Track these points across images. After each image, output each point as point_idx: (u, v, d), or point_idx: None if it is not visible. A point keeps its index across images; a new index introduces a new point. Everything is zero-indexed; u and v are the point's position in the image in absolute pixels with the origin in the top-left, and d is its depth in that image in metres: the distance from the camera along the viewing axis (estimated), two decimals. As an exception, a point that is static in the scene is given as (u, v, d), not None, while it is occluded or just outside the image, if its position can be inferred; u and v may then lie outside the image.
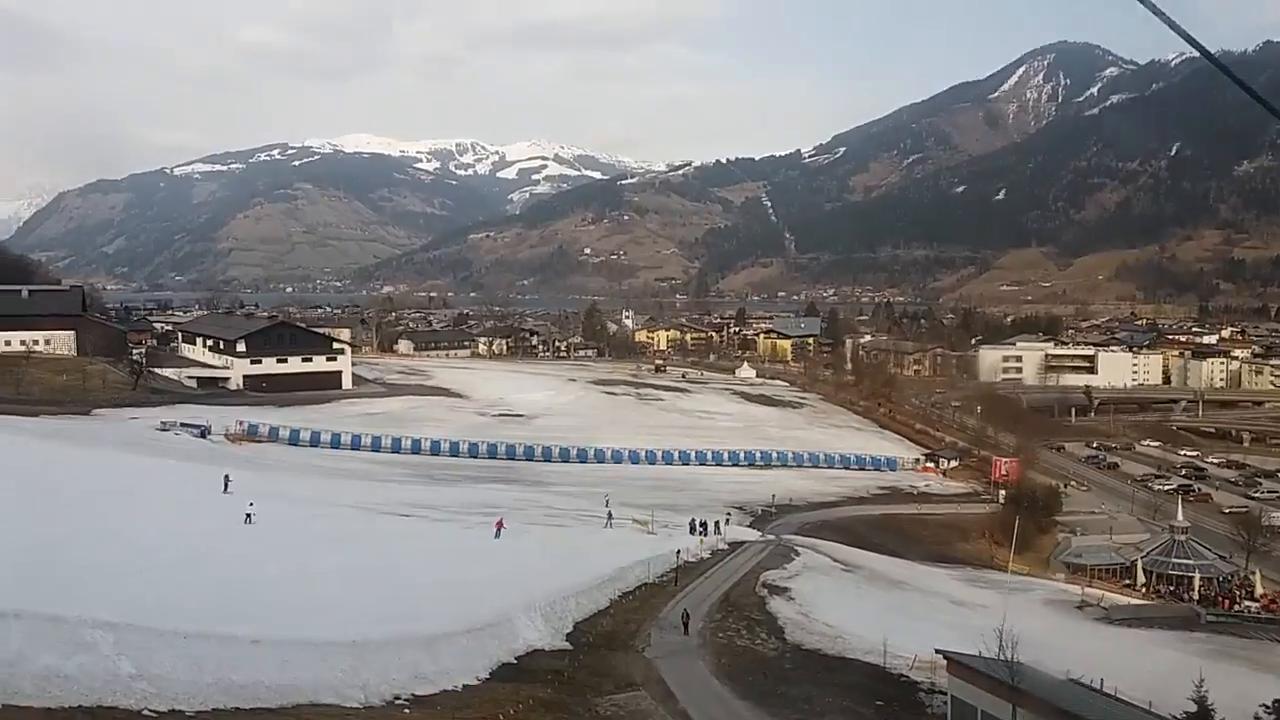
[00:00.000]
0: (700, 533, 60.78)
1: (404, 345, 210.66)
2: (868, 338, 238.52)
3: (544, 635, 35.00)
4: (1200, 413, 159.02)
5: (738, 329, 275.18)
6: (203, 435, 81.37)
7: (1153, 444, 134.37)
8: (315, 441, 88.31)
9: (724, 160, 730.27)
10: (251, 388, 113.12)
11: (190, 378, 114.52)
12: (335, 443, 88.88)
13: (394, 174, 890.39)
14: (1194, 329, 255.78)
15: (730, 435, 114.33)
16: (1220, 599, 64.53)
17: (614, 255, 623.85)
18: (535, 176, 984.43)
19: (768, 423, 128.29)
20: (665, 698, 30.72)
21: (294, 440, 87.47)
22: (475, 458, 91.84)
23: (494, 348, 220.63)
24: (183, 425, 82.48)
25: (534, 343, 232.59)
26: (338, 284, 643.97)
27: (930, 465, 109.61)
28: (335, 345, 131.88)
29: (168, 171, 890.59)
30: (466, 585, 39.88)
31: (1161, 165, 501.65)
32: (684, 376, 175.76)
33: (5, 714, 17.55)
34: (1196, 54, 7.98)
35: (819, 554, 61.76)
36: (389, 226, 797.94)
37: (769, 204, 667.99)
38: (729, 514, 72.68)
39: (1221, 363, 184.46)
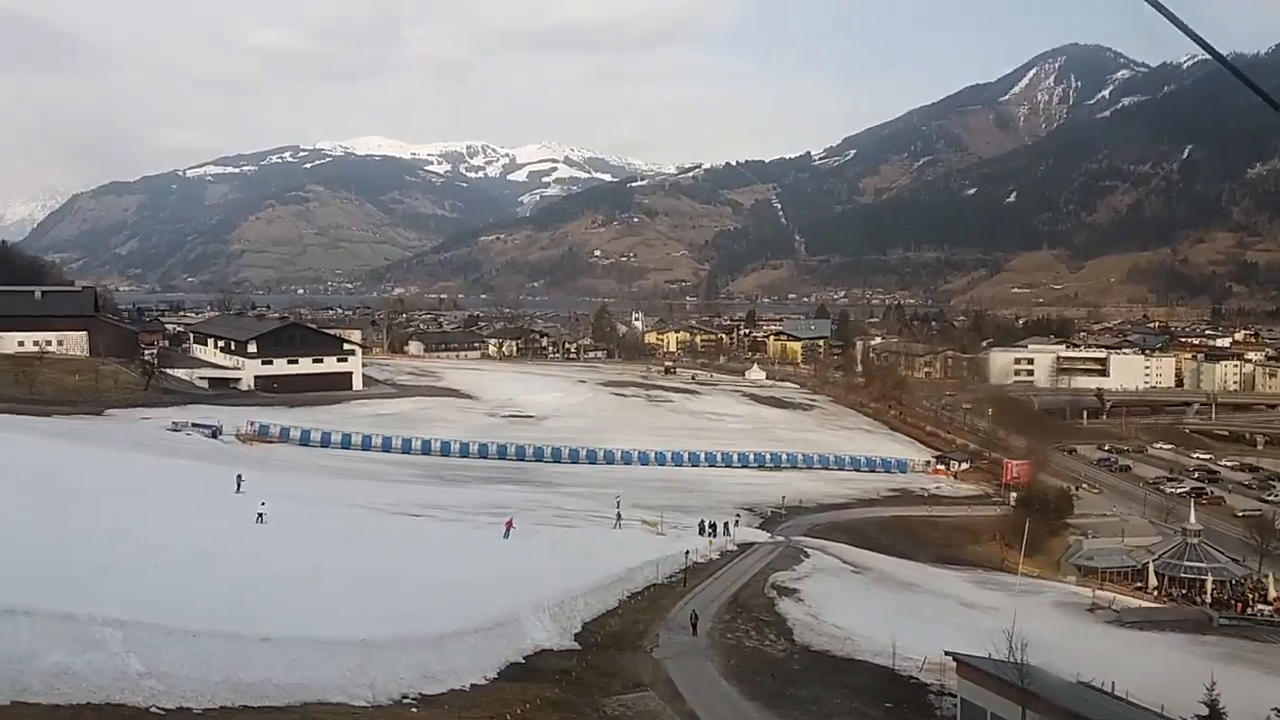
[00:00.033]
0: (709, 534, 60.75)
1: (414, 346, 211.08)
2: (878, 340, 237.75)
3: (552, 635, 35.00)
4: (1213, 415, 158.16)
5: (747, 331, 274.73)
6: (214, 435, 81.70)
7: (1165, 447, 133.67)
8: (326, 442, 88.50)
9: (734, 163, 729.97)
10: (263, 388, 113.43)
11: (202, 378, 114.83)
12: (346, 443, 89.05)
13: (405, 176, 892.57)
14: (1207, 332, 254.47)
15: (740, 437, 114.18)
16: (1233, 602, 64.16)
17: (624, 257, 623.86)
18: (545, 179, 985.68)
19: (777, 424, 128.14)
20: (673, 698, 30.69)
21: (304, 441, 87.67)
22: (485, 458, 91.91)
23: (504, 349, 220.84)
24: (194, 426, 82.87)
25: (544, 344, 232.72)
26: (349, 286, 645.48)
27: (941, 467, 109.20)
28: (346, 346, 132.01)
29: (180, 173, 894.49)
30: (475, 585, 39.92)
31: (1173, 168, 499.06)
32: (693, 378, 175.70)
33: (15, 710, 17.62)
34: (1209, 56, 7.92)
35: (828, 556, 61.67)
36: (400, 228, 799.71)
37: (779, 206, 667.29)
38: (738, 515, 72.62)
39: (1235, 365, 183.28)
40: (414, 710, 25.17)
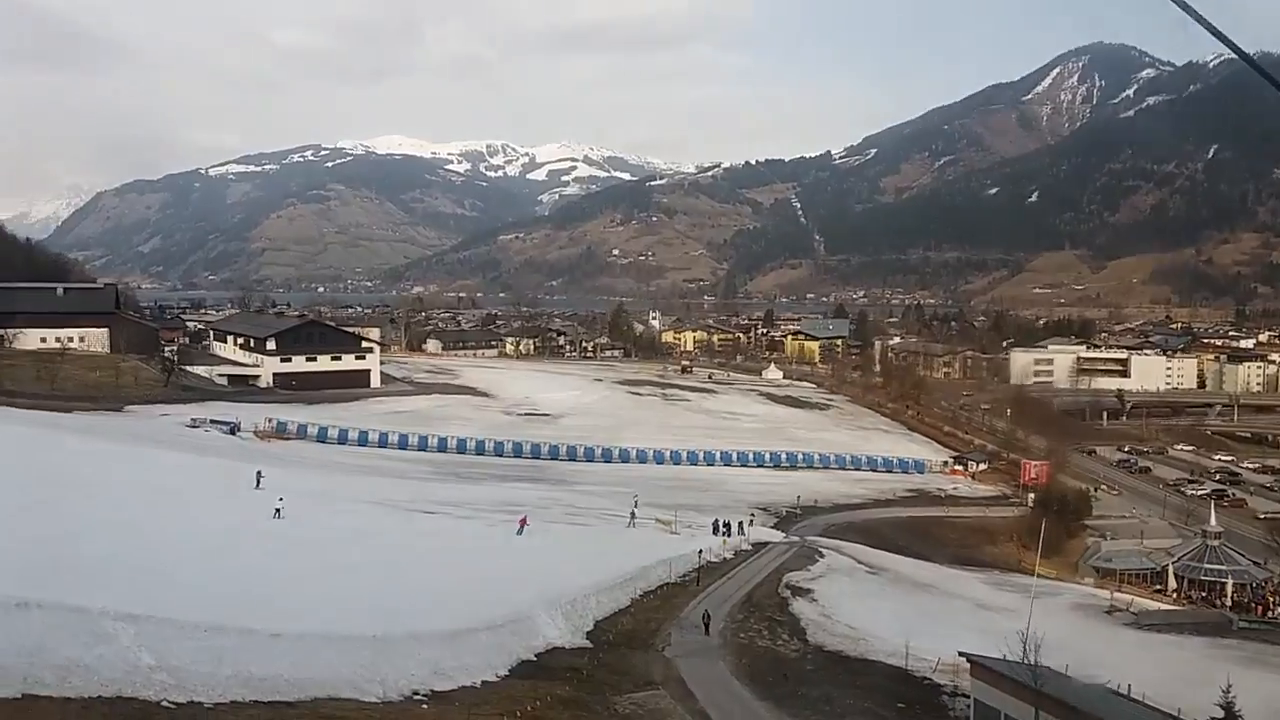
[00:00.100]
0: (724, 533, 60.70)
1: (432, 345, 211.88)
2: (897, 340, 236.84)
3: (564, 633, 34.99)
4: (1235, 417, 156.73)
5: (765, 330, 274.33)
6: (232, 432, 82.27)
7: (1186, 448, 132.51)
8: (343, 439, 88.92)
9: (753, 162, 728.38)
10: (281, 385, 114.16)
11: (221, 375, 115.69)
12: (363, 440, 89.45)
13: (425, 175, 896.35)
14: (1230, 333, 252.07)
15: (756, 436, 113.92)
16: (1254, 606, 63.46)
17: (642, 256, 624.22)
18: (565, 178, 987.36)
19: (794, 424, 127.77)
20: (684, 697, 30.61)
21: (322, 437, 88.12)
22: (500, 456, 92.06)
23: (521, 348, 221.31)
24: (212, 422, 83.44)
25: (561, 343, 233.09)
26: (369, 284, 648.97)
27: (958, 468, 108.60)
28: (364, 344, 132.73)
29: (203, 172, 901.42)
30: (488, 582, 40.01)
31: (1198, 168, 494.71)
32: (710, 377, 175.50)
33: (26, 703, 17.71)
34: (1235, 56, 7.82)
35: (843, 556, 61.44)
36: (420, 227, 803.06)
37: (798, 205, 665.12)
38: (753, 515, 72.51)
39: (1258, 367, 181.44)
40: (424, 706, 25.16)
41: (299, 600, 30.75)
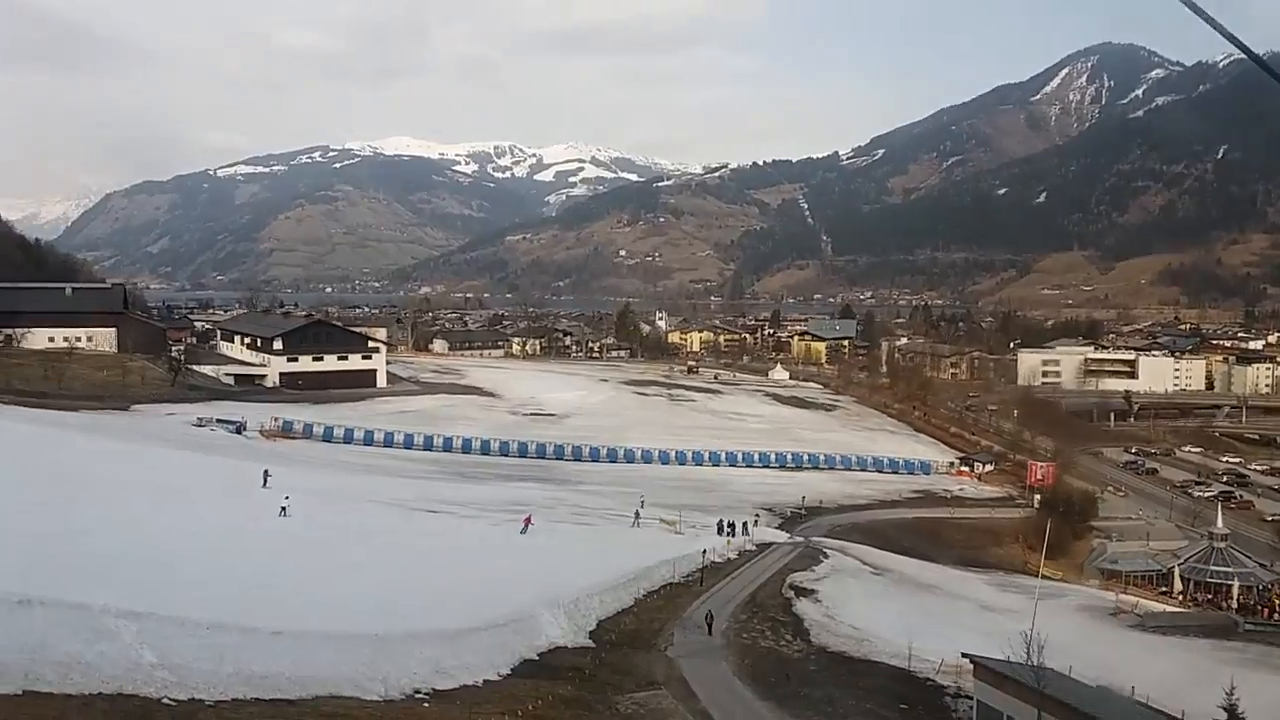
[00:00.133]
0: (728, 534, 60.65)
1: (439, 345, 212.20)
2: (904, 340, 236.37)
3: (567, 632, 34.99)
4: (1244, 418, 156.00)
5: (772, 331, 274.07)
6: (238, 431, 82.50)
7: (1194, 450, 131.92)
8: (349, 438, 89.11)
9: (761, 162, 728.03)
10: (288, 385, 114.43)
11: (228, 375, 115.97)
12: (368, 440, 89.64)
13: (433, 176, 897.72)
14: (1239, 334, 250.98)
15: (761, 437, 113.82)
16: (1260, 608, 63.20)
17: (649, 257, 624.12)
18: (572, 179, 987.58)
19: (799, 425, 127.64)
20: (686, 697, 30.58)
21: (328, 437, 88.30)
22: (506, 456, 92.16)
23: (527, 348, 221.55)
24: (218, 421, 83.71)
25: (567, 343, 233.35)
26: (376, 284, 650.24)
27: (965, 469, 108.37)
28: (370, 344, 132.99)
29: (211, 173, 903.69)
30: (491, 581, 40.07)
31: (1208, 168, 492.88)
32: (716, 378, 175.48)
33: (26, 700, 17.77)
34: (1244, 56, 7.82)
35: (847, 556, 61.37)
36: (427, 228, 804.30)
37: (806, 206, 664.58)
38: (757, 515, 72.39)
39: (1267, 368, 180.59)
40: (426, 705, 25.18)
41: (301, 598, 30.83)
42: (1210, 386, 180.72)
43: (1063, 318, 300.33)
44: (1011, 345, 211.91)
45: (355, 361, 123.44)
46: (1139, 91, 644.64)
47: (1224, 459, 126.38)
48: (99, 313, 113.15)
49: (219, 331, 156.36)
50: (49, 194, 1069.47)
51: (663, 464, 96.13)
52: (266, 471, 56.01)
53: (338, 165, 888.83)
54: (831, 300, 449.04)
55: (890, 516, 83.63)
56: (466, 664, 28.51)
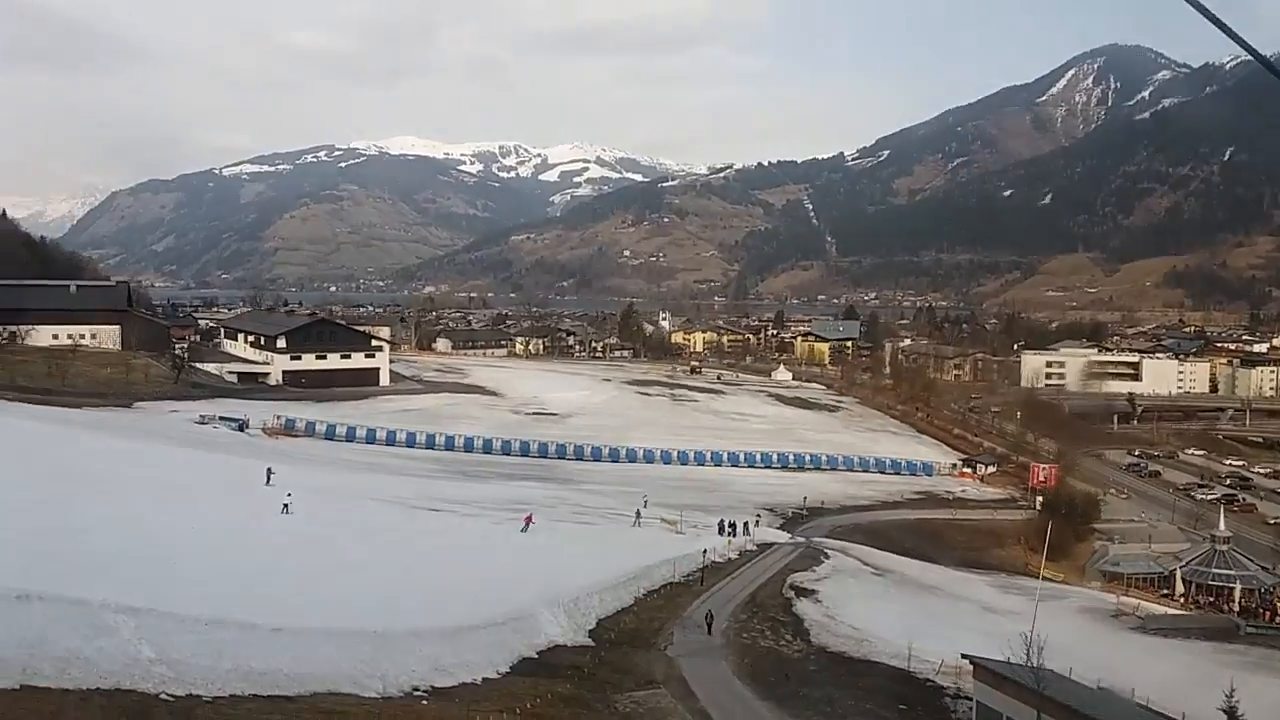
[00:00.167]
0: (729, 533, 60.63)
1: (442, 344, 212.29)
2: (907, 342, 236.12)
3: (566, 631, 35.01)
4: (1248, 421, 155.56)
5: (775, 332, 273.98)
6: (240, 429, 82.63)
7: (1197, 452, 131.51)
8: (351, 436, 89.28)
9: (766, 163, 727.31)
10: (291, 383, 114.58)
11: (231, 373, 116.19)
12: (371, 438, 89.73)
13: (438, 176, 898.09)
14: (1244, 337, 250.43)
15: (763, 437, 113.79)
16: (1261, 611, 63.08)
17: (653, 257, 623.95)
18: (577, 179, 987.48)
19: (802, 425, 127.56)
20: (685, 696, 30.58)
21: (330, 435, 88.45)
22: (508, 455, 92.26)
23: (530, 347, 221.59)
24: (221, 419, 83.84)
25: (570, 343, 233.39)
26: (381, 284, 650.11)
27: (967, 470, 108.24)
28: (374, 343, 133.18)
29: (217, 172, 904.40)
30: (491, 579, 40.11)
31: (1214, 170, 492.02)
32: (719, 378, 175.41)
33: (25, 695, 17.83)
34: (1251, 57, 7.80)
35: (849, 557, 61.34)
36: (432, 227, 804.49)
37: (810, 207, 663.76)
38: (759, 516, 72.38)
39: (1272, 371, 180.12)
40: (424, 702, 25.21)
41: (301, 595, 30.84)
42: (1214, 389, 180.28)
43: (1067, 320, 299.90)
44: (1015, 347, 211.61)
45: (358, 360, 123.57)
46: (1145, 93, 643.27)
47: (1227, 462, 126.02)
48: (103, 310, 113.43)
49: (223, 329, 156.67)
50: (55, 192, 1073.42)
51: (665, 464, 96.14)
52: (269, 469, 56.08)
53: (343, 165, 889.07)
54: (835, 301, 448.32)
55: (892, 518, 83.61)
56: (466, 662, 28.55)
